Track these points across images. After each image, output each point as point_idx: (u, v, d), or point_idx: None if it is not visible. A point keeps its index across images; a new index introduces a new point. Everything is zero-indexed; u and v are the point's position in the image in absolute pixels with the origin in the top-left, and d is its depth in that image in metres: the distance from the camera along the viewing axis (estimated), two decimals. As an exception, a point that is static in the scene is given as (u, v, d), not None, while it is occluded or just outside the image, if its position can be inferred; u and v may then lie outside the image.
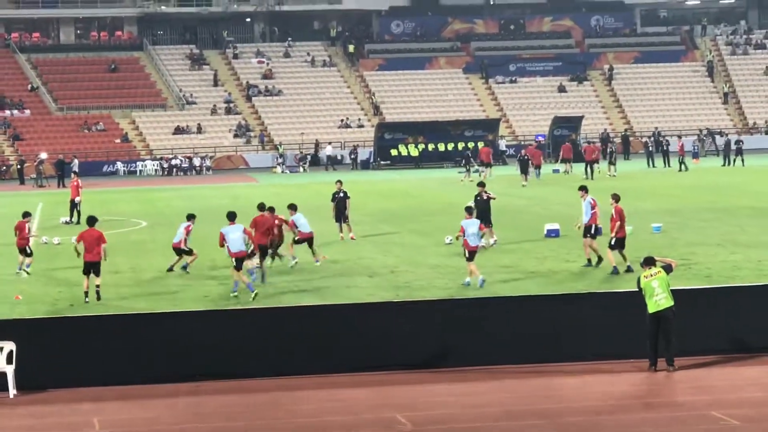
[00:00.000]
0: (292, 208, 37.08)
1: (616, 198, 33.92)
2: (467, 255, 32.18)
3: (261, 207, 35.52)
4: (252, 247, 33.06)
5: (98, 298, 31.13)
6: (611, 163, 74.45)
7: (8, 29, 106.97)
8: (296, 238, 36.61)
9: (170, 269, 35.94)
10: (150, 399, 22.08)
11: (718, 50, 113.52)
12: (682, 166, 77.80)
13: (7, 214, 58.08)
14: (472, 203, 39.49)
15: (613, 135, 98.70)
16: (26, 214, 37.06)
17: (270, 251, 35.11)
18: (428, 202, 58.61)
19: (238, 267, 31.54)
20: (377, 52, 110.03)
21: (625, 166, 77.55)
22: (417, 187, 70.75)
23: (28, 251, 36.34)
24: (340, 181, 44.73)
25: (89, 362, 23.07)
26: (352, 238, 42.33)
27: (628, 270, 32.62)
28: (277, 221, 35.65)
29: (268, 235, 34.58)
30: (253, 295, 30.76)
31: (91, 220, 32.31)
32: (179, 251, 35.71)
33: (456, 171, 79.71)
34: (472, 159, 76.54)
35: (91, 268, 31.18)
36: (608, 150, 78.30)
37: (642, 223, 44.22)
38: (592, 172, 72.20)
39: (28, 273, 36.17)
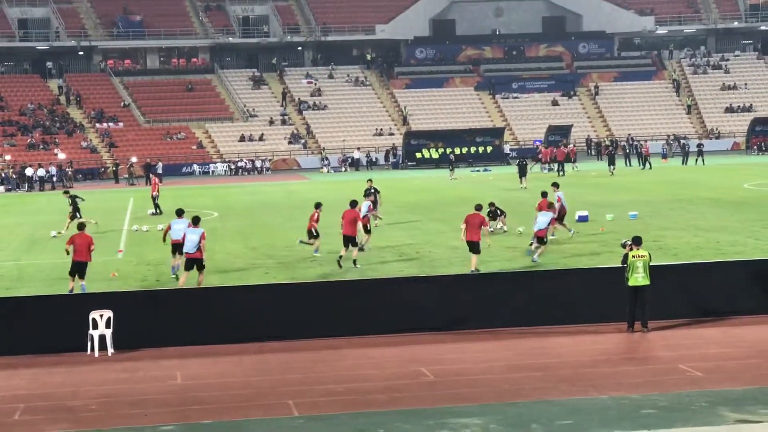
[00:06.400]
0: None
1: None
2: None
3: (353, 203, 33.54)
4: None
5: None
6: (611, 163, 74.78)
7: (105, 57, 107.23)
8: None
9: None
10: (222, 356, 22.10)
11: (683, 70, 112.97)
12: (647, 164, 77.96)
13: (105, 207, 58.43)
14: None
15: (597, 140, 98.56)
16: (318, 205, 35.00)
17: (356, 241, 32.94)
18: (446, 196, 58.47)
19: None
20: (404, 74, 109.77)
21: (605, 166, 77.09)
22: (437, 183, 70.59)
23: (315, 234, 34.39)
24: (370, 180, 44.67)
25: (172, 327, 23.12)
26: (376, 225, 41.62)
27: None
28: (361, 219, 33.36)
29: (353, 226, 32.41)
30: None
31: (81, 226, 29.26)
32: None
33: (469, 170, 79.56)
34: (453, 164, 77.24)
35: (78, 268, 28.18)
36: (608, 152, 79.85)
37: (621, 212, 44.12)
38: (563, 169, 74.44)
39: (317, 256, 34.50)
